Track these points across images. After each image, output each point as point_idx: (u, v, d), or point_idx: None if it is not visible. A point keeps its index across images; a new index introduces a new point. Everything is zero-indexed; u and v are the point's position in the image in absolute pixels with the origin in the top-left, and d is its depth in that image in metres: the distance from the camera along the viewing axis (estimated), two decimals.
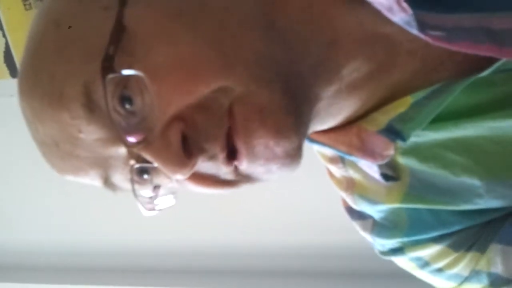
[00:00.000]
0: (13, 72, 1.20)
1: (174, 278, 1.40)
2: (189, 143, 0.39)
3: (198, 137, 0.39)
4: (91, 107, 0.39)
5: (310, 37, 0.42)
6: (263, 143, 0.39)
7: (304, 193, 1.20)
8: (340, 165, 0.52)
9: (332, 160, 0.52)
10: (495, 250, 0.46)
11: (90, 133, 0.40)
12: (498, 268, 0.46)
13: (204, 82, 0.38)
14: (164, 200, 0.44)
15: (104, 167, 0.42)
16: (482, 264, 0.47)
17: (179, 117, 0.39)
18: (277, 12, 0.42)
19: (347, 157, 0.49)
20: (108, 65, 0.38)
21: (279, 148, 0.40)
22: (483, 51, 0.38)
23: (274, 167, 0.41)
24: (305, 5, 0.42)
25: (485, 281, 0.47)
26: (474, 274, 0.48)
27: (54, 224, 1.46)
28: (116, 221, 1.31)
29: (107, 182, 0.43)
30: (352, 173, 0.51)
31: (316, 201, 1.19)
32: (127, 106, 0.39)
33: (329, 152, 0.51)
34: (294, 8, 0.42)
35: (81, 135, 0.40)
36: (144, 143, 0.39)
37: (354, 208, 0.54)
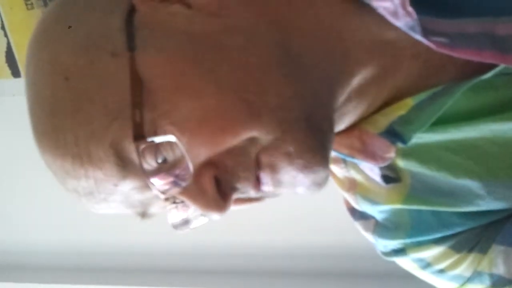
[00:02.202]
0: (15, 72, 1.20)
1: (174, 278, 1.39)
2: (222, 184, 0.41)
3: (230, 179, 0.41)
4: (123, 164, 0.39)
5: (324, 55, 0.42)
6: (291, 175, 0.41)
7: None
8: (342, 165, 0.52)
9: (334, 160, 0.52)
10: (496, 251, 0.46)
11: (126, 185, 0.41)
12: (500, 269, 0.46)
13: (232, 133, 0.39)
14: (198, 221, 0.46)
15: (142, 207, 0.43)
16: (484, 265, 0.47)
17: (210, 163, 0.40)
18: (290, 36, 0.42)
19: (349, 159, 0.49)
20: (139, 134, 0.38)
21: (307, 179, 0.41)
22: (487, 58, 0.38)
23: (299, 189, 0.43)
24: (315, 21, 0.43)
25: (487, 282, 0.47)
26: (476, 275, 0.48)
27: (54, 224, 1.46)
28: (116, 221, 1.31)
29: (144, 216, 0.44)
30: (354, 174, 0.52)
31: (316, 201, 1.19)
32: (159, 159, 0.40)
33: (331, 153, 0.51)
34: (305, 27, 0.42)
35: (118, 188, 0.41)
36: (176, 186, 0.41)
37: (356, 209, 0.54)
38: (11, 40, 1.17)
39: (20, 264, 1.52)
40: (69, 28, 0.41)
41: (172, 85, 0.39)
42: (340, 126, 0.47)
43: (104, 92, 0.39)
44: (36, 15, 1.13)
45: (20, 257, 1.52)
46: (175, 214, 0.44)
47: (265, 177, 0.41)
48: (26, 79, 0.43)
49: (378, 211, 0.51)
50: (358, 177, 0.51)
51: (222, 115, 0.39)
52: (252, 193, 0.42)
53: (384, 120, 0.45)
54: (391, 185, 0.48)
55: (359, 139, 0.46)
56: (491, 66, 0.41)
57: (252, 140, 0.40)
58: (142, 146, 0.38)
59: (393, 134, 0.44)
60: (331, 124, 0.43)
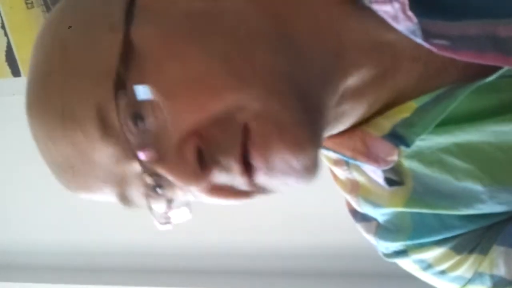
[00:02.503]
0: (15, 71, 1.20)
1: (174, 278, 1.40)
2: (204, 157, 0.39)
3: (213, 151, 0.39)
4: (105, 127, 0.39)
5: (317, 49, 0.42)
6: (281, 157, 0.39)
7: (304, 193, 1.20)
8: (345, 167, 0.52)
9: (337, 162, 0.52)
10: (497, 252, 0.46)
11: (105, 152, 0.40)
12: (501, 270, 0.46)
13: (218, 99, 0.38)
14: (179, 214, 0.44)
15: (120, 184, 0.42)
16: (485, 266, 0.47)
17: (193, 132, 0.39)
18: (286, 25, 0.42)
19: (352, 161, 0.49)
20: (120, 85, 0.38)
21: (297, 162, 0.39)
22: (489, 60, 0.38)
23: (291, 180, 0.41)
24: (312, 17, 0.43)
25: (488, 283, 0.47)
26: (477, 276, 0.48)
27: (54, 224, 1.46)
28: (116, 221, 1.31)
29: (123, 198, 0.43)
30: (356, 176, 0.51)
31: (317, 201, 1.19)
32: (140, 123, 0.39)
33: (334, 155, 0.51)
34: (302, 21, 0.42)
35: (96, 155, 0.40)
36: (157, 159, 0.39)
37: (358, 211, 0.54)
38: (11, 39, 1.17)
39: (20, 264, 1.52)
40: (73, 8, 0.43)
41: (162, 51, 0.39)
42: (339, 126, 0.46)
43: (97, 59, 0.40)
44: (36, 14, 1.13)
45: (20, 257, 1.52)
46: (155, 204, 0.43)
47: (256, 157, 0.39)
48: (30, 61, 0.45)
49: (380, 214, 0.51)
50: (360, 179, 0.51)
51: (209, 80, 0.38)
52: (237, 173, 0.40)
53: (387, 123, 0.45)
54: (393, 188, 0.48)
55: (362, 141, 0.46)
56: (494, 68, 0.41)
57: (240, 108, 0.38)
58: (123, 100, 0.38)
59: (396, 137, 0.44)
60: (321, 112, 0.42)
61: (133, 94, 0.38)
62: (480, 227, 0.48)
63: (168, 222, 0.44)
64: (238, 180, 0.41)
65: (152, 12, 0.41)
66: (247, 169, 0.40)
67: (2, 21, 1.16)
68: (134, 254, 1.43)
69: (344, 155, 0.48)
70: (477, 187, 0.45)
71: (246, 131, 0.39)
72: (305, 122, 0.40)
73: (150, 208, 0.42)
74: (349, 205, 0.55)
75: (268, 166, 0.39)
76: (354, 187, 0.52)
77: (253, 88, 0.39)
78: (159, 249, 1.41)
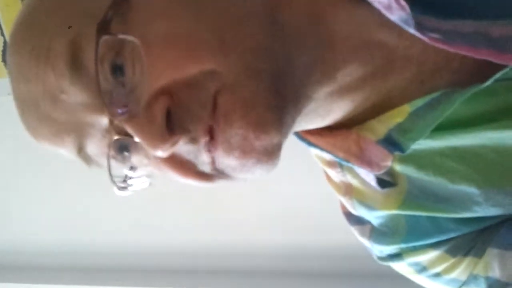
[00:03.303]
0: None
1: (174, 278, 1.40)
2: (173, 121, 0.38)
3: (183, 116, 0.38)
4: (76, 66, 0.38)
5: (308, 36, 0.42)
6: (242, 134, 0.38)
7: (303, 193, 1.20)
8: (338, 169, 0.51)
9: (330, 164, 0.52)
10: (492, 255, 0.46)
11: (72, 95, 0.39)
12: (496, 273, 0.45)
13: (197, 61, 0.38)
14: (138, 181, 0.43)
15: (81, 134, 0.41)
16: (480, 269, 0.47)
17: (165, 92, 0.38)
18: (280, 8, 0.42)
19: (344, 163, 0.48)
20: (104, 27, 0.37)
21: (258, 142, 0.39)
22: (483, 55, 0.38)
23: (249, 161, 0.40)
24: (308, 5, 0.42)
25: (483, 285, 0.47)
26: (472, 279, 0.47)
27: (54, 224, 1.46)
28: (116, 221, 1.32)
29: (82, 152, 0.42)
30: (349, 178, 0.51)
31: (316, 201, 1.19)
32: (118, 75, 0.38)
33: (327, 156, 0.51)
34: (297, 6, 0.42)
35: (63, 96, 0.39)
36: (128, 115, 0.38)
37: (352, 213, 0.54)
38: (7, 39, 1.17)
39: (20, 264, 1.52)
40: None
41: (154, 7, 0.39)
42: (319, 120, 0.46)
43: (88, 1, 0.40)
44: None
45: (19, 258, 1.52)
46: (117, 166, 0.42)
47: (217, 130, 0.38)
48: None
49: (374, 217, 0.51)
50: (354, 181, 0.51)
51: (192, 41, 0.38)
52: (202, 148, 0.39)
53: (382, 127, 0.44)
54: (387, 190, 0.47)
55: (356, 144, 0.46)
56: (487, 71, 0.40)
57: (214, 74, 0.38)
58: (104, 37, 0.37)
59: (391, 143, 0.44)
60: (297, 103, 0.41)
61: (116, 40, 0.37)
62: (474, 230, 0.47)
63: (125, 188, 0.43)
64: (202, 156, 0.40)
65: None
66: (212, 147, 0.39)
67: None
68: (134, 254, 1.44)
69: (337, 156, 0.48)
70: (472, 189, 0.45)
71: (214, 103, 0.38)
72: (275, 106, 0.39)
73: (110, 170, 0.41)
74: (343, 207, 0.55)
75: (227, 141, 0.39)
76: (348, 190, 0.52)
77: (231, 58, 0.38)
78: (159, 249, 1.41)
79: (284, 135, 0.40)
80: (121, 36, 0.37)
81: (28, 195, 1.46)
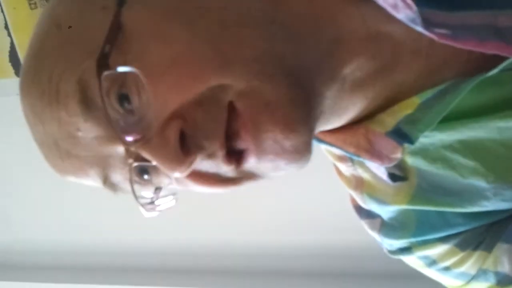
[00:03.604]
0: (18, 71, 1.20)
1: (174, 278, 1.39)
2: (187, 142, 0.39)
3: (197, 134, 0.39)
4: (87, 104, 0.39)
5: (311, 34, 0.42)
6: (272, 137, 0.38)
7: (305, 193, 1.20)
8: (349, 163, 0.51)
9: (341, 158, 0.52)
10: (501, 250, 0.46)
11: (88, 131, 0.40)
12: (505, 268, 0.46)
13: (201, 79, 0.38)
14: (165, 201, 0.44)
15: (103, 166, 0.42)
16: (489, 263, 0.47)
17: (177, 115, 0.39)
18: (278, 9, 0.41)
19: (355, 158, 0.48)
20: (103, 62, 0.38)
21: (288, 142, 0.39)
22: (490, 49, 0.38)
23: (282, 162, 0.40)
24: (306, 2, 0.42)
25: (492, 280, 0.47)
26: (481, 273, 0.48)
27: (54, 224, 1.46)
28: (116, 221, 1.31)
29: (107, 182, 0.43)
30: (361, 172, 0.51)
31: (317, 201, 1.19)
32: (126, 104, 0.38)
33: (338, 151, 0.51)
34: (295, 5, 0.42)
35: (79, 133, 0.40)
36: (142, 141, 0.39)
37: (362, 207, 0.54)
38: (14, 40, 1.17)
39: (20, 263, 1.52)
40: None
41: (148, 30, 0.39)
42: (336, 120, 0.46)
43: (86, 36, 0.40)
44: (39, 15, 1.14)
45: (20, 257, 1.52)
46: (141, 190, 0.42)
47: (246, 138, 0.38)
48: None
49: (384, 211, 0.51)
50: (365, 175, 0.51)
51: (192, 61, 0.38)
52: (220, 162, 0.39)
53: (391, 119, 0.44)
54: (398, 184, 0.48)
55: (365, 138, 0.46)
56: (495, 62, 0.41)
57: (224, 87, 0.38)
58: (105, 73, 0.37)
59: (400, 134, 0.44)
60: (316, 96, 0.41)
61: (117, 74, 0.38)
62: (484, 224, 0.48)
63: (153, 209, 0.43)
64: (223, 168, 0.40)
65: None
66: (231, 156, 0.39)
67: (6, 21, 1.16)
68: (134, 254, 1.43)
69: (347, 152, 0.48)
70: (481, 184, 0.45)
71: (231, 111, 0.38)
72: (298, 102, 0.39)
73: (135, 194, 0.42)
74: (353, 201, 0.55)
75: (259, 148, 0.39)
76: (359, 184, 0.52)
77: (235, 69, 0.38)
78: (159, 249, 1.41)
79: (312, 130, 0.40)
80: (121, 69, 0.37)
81: (28, 195, 1.45)
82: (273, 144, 0.39)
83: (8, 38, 1.17)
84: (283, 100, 0.38)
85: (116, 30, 0.39)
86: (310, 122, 0.40)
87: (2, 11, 1.15)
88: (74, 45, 0.40)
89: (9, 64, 1.20)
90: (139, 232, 1.32)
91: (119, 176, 0.42)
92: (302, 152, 0.40)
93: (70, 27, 0.41)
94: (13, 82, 1.19)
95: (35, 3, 1.14)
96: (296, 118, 0.39)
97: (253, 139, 0.39)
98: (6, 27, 1.17)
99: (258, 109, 0.38)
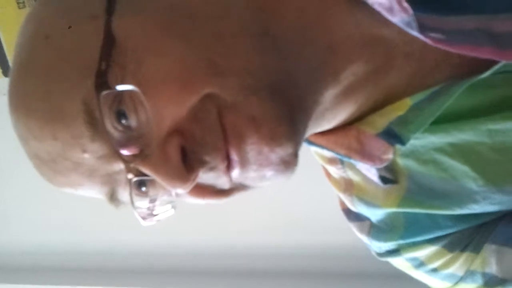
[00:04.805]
0: (5, 71, 1.19)
1: (174, 278, 1.40)
2: (189, 156, 0.39)
3: (198, 150, 0.39)
4: (93, 124, 0.38)
5: (305, 44, 0.42)
6: (256, 149, 0.39)
7: (303, 194, 1.20)
8: (339, 166, 0.51)
9: (331, 161, 0.52)
10: (489, 250, 0.46)
11: (94, 152, 0.39)
12: (493, 268, 0.46)
13: (192, 89, 0.38)
14: (162, 210, 0.44)
15: (108, 183, 0.41)
16: (477, 264, 0.47)
17: (175, 130, 0.39)
18: (270, 20, 0.41)
19: (346, 159, 0.48)
20: (102, 81, 0.37)
21: (273, 155, 0.39)
22: (484, 54, 0.38)
23: (268, 173, 0.40)
24: (298, 11, 0.42)
25: (479, 281, 0.47)
26: (469, 274, 0.48)
27: (54, 224, 1.46)
28: (116, 221, 1.31)
29: (111, 197, 0.42)
30: (351, 175, 0.51)
31: (316, 201, 1.19)
32: (123, 121, 0.38)
33: (328, 153, 0.51)
34: (287, 15, 0.42)
35: (85, 155, 0.39)
36: (141, 157, 0.39)
37: (351, 210, 0.54)
38: (2, 39, 1.17)
39: (19, 265, 1.52)
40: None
41: (141, 45, 0.38)
42: (325, 124, 0.46)
43: (80, 51, 0.39)
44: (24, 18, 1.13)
45: (19, 258, 1.51)
46: (139, 201, 0.42)
47: (230, 148, 0.38)
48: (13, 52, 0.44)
49: (373, 213, 0.51)
50: (355, 178, 0.51)
51: (184, 73, 0.38)
52: (221, 173, 0.40)
53: (382, 120, 0.44)
54: (388, 186, 0.48)
55: (356, 139, 0.46)
56: (488, 65, 0.41)
57: (211, 96, 0.38)
58: (104, 92, 0.37)
59: (391, 135, 0.44)
60: (306, 110, 0.41)
61: (115, 92, 0.37)
62: (472, 226, 0.48)
63: (151, 219, 0.43)
64: (222, 179, 0.40)
65: (134, 2, 0.40)
66: (229, 167, 0.40)
67: None
68: (134, 254, 1.43)
69: (338, 153, 0.48)
70: (471, 187, 0.45)
71: (222, 123, 0.38)
72: (282, 118, 0.39)
73: (134, 205, 0.42)
74: (342, 204, 0.55)
75: (242, 158, 0.39)
76: (348, 186, 0.52)
77: (226, 79, 0.38)
78: (159, 249, 1.41)
79: (298, 142, 0.40)
80: (119, 88, 0.37)
81: (27, 195, 1.44)
82: (258, 155, 0.39)
83: None
84: (268, 115, 0.38)
85: (109, 44, 0.38)
86: (296, 136, 0.40)
87: None
88: (68, 60, 0.39)
89: None
90: (139, 232, 1.31)
91: (122, 191, 0.42)
92: (288, 163, 0.40)
93: (59, 40, 0.40)
94: (1, 82, 1.18)
95: (23, 2, 1.13)
96: (281, 133, 0.39)
97: (237, 150, 0.39)
98: None
99: (243, 123, 0.38)
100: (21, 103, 0.41)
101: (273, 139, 0.38)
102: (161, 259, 1.41)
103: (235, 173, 0.40)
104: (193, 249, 1.38)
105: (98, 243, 1.45)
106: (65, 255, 1.48)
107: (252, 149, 0.38)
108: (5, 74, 1.19)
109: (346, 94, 0.44)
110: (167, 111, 0.38)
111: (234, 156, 0.39)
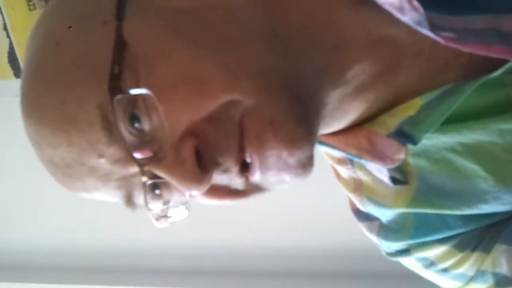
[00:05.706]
0: (17, 72, 1.20)
1: (174, 278, 1.40)
2: (203, 158, 0.39)
3: (212, 151, 0.39)
4: (109, 128, 0.38)
5: (313, 43, 0.42)
6: (276, 154, 0.39)
7: (305, 194, 1.20)
8: (349, 166, 0.52)
9: (341, 161, 0.52)
10: (500, 251, 0.46)
11: (110, 156, 0.39)
12: (503, 269, 0.46)
13: (212, 96, 0.38)
14: (176, 212, 0.44)
15: (125, 187, 0.41)
16: (487, 264, 0.47)
17: (190, 132, 0.39)
18: (278, 21, 0.41)
19: (356, 160, 0.48)
20: (115, 85, 0.38)
21: (292, 158, 0.39)
22: (495, 53, 0.38)
23: (286, 177, 0.41)
24: (306, 12, 0.42)
25: (490, 281, 0.47)
26: (479, 274, 0.48)
27: (54, 224, 1.46)
28: (116, 221, 1.31)
29: (129, 201, 0.42)
30: (360, 175, 0.51)
31: (317, 202, 1.19)
32: (136, 124, 0.38)
33: (338, 153, 0.51)
34: (295, 16, 0.42)
35: (101, 160, 0.39)
36: (155, 159, 0.39)
37: (361, 210, 0.54)
38: (13, 41, 1.18)
39: (20, 264, 1.52)
40: (65, 4, 0.42)
41: (153, 51, 0.39)
42: (336, 124, 0.46)
43: (92, 56, 0.39)
44: (38, 16, 1.14)
45: (20, 257, 1.52)
46: (153, 204, 0.42)
47: (252, 154, 0.39)
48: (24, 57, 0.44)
49: (383, 213, 0.51)
50: (365, 178, 0.51)
51: (200, 78, 0.38)
52: (234, 175, 0.40)
53: (393, 120, 0.44)
54: (398, 187, 0.48)
55: (367, 139, 0.46)
56: (498, 64, 0.41)
57: (234, 103, 0.38)
58: (118, 97, 0.37)
59: (403, 135, 0.44)
60: (317, 109, 0.42)
61: (128, 96, 0.37)
62: (482, 226, 0.48)
63: (165, 221, 0.44)
64: (235, 180, 0.41)
65: (143, 7, 0.40)
66: (244, 169, 0.40)
67: (5, 22, 1.16)
68: (134, 254, 1.43)
69: (349, 154, 0.48)
70: (481, 187, 0.45)
71: (241, 128, 0.39)
72: (300, 119, 0.39)
73: (148, 207, 0.42)
74: (352, 204, 0.55)
75: (263, 164, 0.39)
76: (358, 186, 0.52)
77: (244, 84, 0.38)
78: (159, 249, 1.41)
79: (313, 143, 0.41)
80: (133, 92, 0.37)
81: (28, 195, 1.45)
82: (277, 160, 0.39)
83: (7, 39, 1.17)
84: (286, 117, 0.39)
85: (121, 48, 0.38)
86: (312, 136, 0.41)
87: (1, 12, 1.15)
88: (80, 66, 0.39)
89: (8, 65, 1.20)
90: (139, 232, 1.31)
91: (138, 194, 0.42)
92: (306, 166, 0.40)
93: (70, 45, 0.40)
94: (12, 83, 1.19)
95: (34, 4, 1.14)
96: (300, 135, 0.39)
97: (258, 155, 0.39)
98: (5, 28, 1.17)
99: (263, 127, 0.39)
100: (33, 111, 0.41)
101: (292, 141, 0.39)
102: (161, 259, 1.41)
103: (256, 177, 0.40)
104: (194, 249, 1.38)
105: (98, 242, 1.45)
106: (65, 255, 1.48)
107: (272, 154, 0.39)
108: (17, 75, 1.20)
109: (355, 93, 0.44)
110: (182, 115, 0.38)
111: (256, 162, 0.39)
